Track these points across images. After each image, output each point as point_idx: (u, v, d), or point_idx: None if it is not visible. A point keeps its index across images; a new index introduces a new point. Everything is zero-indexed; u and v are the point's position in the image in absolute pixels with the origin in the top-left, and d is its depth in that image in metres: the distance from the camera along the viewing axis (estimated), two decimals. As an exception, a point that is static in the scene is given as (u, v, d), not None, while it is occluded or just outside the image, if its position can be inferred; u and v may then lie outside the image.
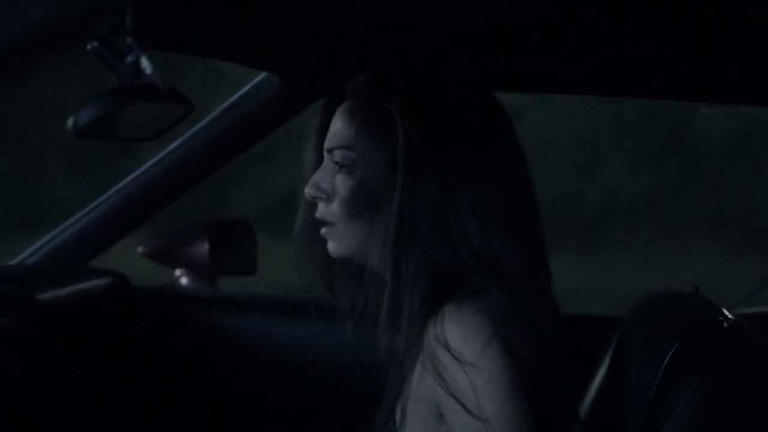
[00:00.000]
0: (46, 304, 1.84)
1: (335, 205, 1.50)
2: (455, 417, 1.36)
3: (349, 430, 1.75)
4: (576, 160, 6.63)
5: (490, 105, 1.53)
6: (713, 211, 6.29)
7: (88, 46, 1.25)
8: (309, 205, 1.57)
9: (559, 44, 1.69)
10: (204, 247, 2.34)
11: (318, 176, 1.52)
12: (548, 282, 1.49)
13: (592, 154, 6.61)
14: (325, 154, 1.53)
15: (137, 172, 2.26)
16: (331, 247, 1.52)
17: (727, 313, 1.52)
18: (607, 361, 1.64)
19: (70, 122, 1.28)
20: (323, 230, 1.52)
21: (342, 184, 1.49)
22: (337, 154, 1.50)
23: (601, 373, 1.64)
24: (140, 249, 2.42)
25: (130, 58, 1.25)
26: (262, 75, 2.18)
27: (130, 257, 2.40)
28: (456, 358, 1.34)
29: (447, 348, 1.35)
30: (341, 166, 1.49)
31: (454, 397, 1.34)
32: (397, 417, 1.45)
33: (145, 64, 1.25)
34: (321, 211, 1.52)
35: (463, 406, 1.34)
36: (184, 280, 2.41)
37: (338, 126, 1.51)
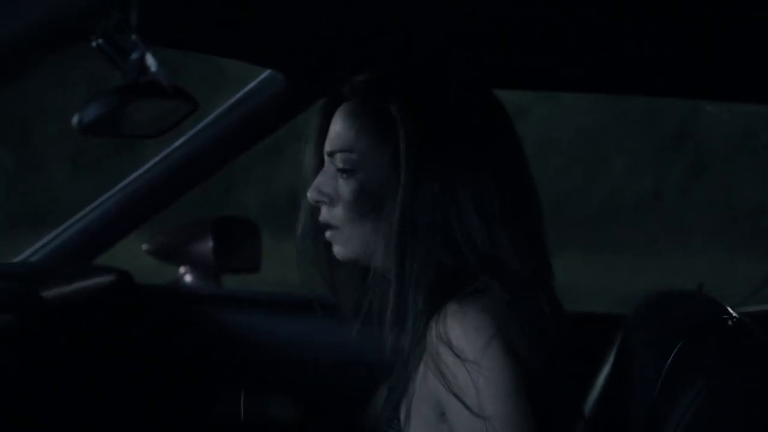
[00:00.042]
0: (50, 301, 1.84)
1: (339, 209, 1.50)
2: (456, 415, 1.36)
3: (352, 428, 1.74)
4: (580, 158, 6.63)
5: (490, 104, 1.53)
6: (717, 209, 6.28)
7: (93, 44, 1.25)
8: (311, 208, 1.57)
9: (559, 44, 1.69)
10: (208, 245, 2.34)
11: (320, 180, 1.52)
12: (550, 279, 1.49)
13: (595, 152, 6.60)
14: (326, 157, 1.53)
15: (141, 170, 2.26)
16: (337, 250, 1.53)
17: (731, 311, 1.52)
18: (611, 359, 1.64)
19: (75, 119, 1.28)
20: (328, 234, 1.53)
21: (345, 187, 1.49)
22: (339, 157, 1.50)
23: (605, 371, 1.64)
24: (144, 246, 2.42)
25: (135, 56, 1.25)
26: (266, 73, 2.18)
27: (134, 255, 2.40)
28: (458, 356, 1.34)
29: (449, 346, 1.35)
30: (343, 169, 1.49)
31: (455, 395, 1.34)
32: (402, 416, 1.45)
33: (150, 61, 1.25)
34: (325, 215, 1.52)
35: (463, 404, 1.34)
36: (188, 278, 2.41)
37: (338, 128, 1.51)
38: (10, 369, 1.69)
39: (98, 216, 2.27)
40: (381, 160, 1.47)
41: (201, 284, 2.40)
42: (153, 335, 2.24)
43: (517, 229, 1.45)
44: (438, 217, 1.43)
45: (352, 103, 1.52)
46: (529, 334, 1.37)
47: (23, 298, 1.81)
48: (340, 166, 1.49)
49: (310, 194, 1.52)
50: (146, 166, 2.26)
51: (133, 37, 1.23)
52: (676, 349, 1.46)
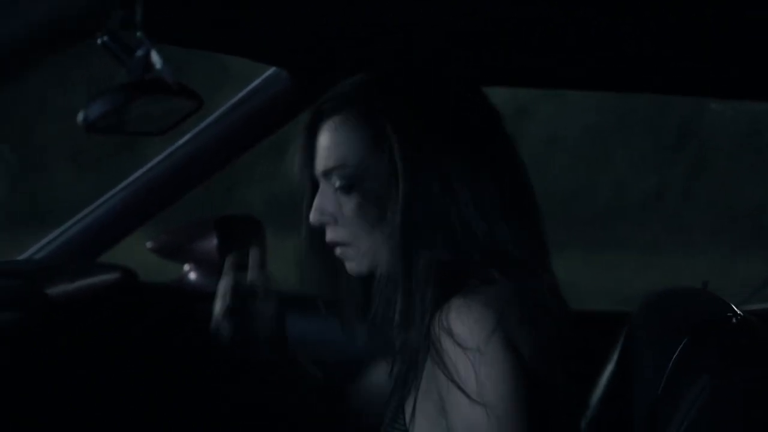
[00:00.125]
0: (54, 298, 1.84)
1: (345, 226, 1.49)
2: (455, 406, 1.36)
3: (358, 427, 1.74)
4: (585, 156, 6.62)
5: (479, 101, 1.53)
6: (721, 208, 6.28)
7: (98, 41, 1.25)
8: (312, 230, 1.56)
9: (559, 44, 1.69)
10: (212, 243, 2.33)
11: (320, 202, 1.51)
12: (552, 275, 1.49)
13: (601, 151, 6.59)
14: (321, 178, 1.52)
15: (145, 168, 2.26)
16: (351, 266, 1.52)
17: (736, 309, 1.52)
18: (615, 357, 1.64)
19: (80, 116, 1.28)
20: (338, 251, 1.52)
21: (347, 204, 1.49)
22: (334, 176, 1.49)
23: (609, 368, 1.64)
24: (149, 244, 2.41)
25: (140, 53, 1.25)
26: (271, 70, 2.18)
27: (138, 253, 2.40)
28: (459, 345, 1.34)
29: (450, 335, 1.35)
30: (341, 187, 1.48)
31: (455, 383, 1.34)
32: (407, 414, 1.45)
33: (155, 58, 1.25)
34: (331, 234, 1.51)
35: (463, 392, 1.34)
36: (192, 276, 2.40)
37: (328, 146, 1.50)
38: (15, 365, 1.69)
39: (102, 214, 2.27)
40: (377, 169, 1.46)
41: (205, 282, 2.39)
42: (157, 333, 2.24)
43: (516, 222, 1.46)
44: (439, 215, 1.43)
45: (336, 117, 1.51)
46: (531, 331, 1.37)
47: (28, 295, 1.81)
48: (338, 184, 1.48)
49: (313, 218, 1.52)
50: (150, 164, 2.26)
51: (138, 34, 1.23)
52: (679, 347, 1.46)
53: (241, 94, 2.23)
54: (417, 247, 1.43)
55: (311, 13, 1.53)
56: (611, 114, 6.39)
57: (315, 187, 1.55)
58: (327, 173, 1.50)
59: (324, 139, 1.51)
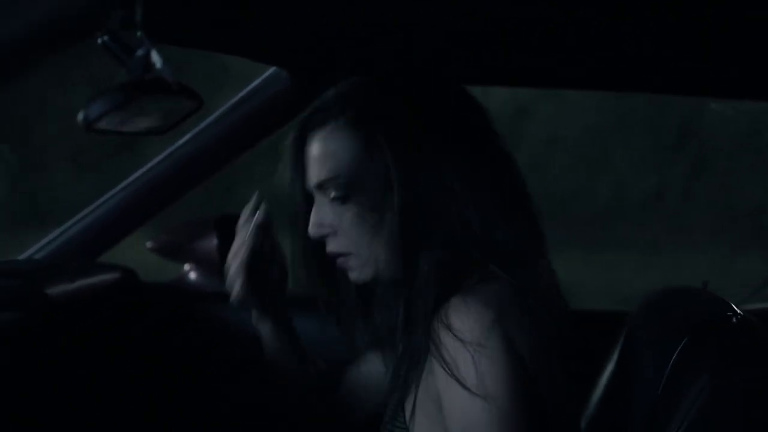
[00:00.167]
0: (54, 298, 1.84)
1: (345, 236, 1.49)
2: (453, 401, 1.36)
3: (358, 425, 1.75)
4: (584, 157, 6.62)
5: (463, 99, 1.53)
6: (721, 208, 6.28)
7: (98, 40, 1.25)
8: (308, 242, 1.55)
9: (559, 44, 1.69)
10: (212, 243, 2.34)
11: (317, 216, 1.50)
12: (551, 271, 1.49)
13: (601, 151, 6.60)
14: (315, 190, 1.51)
15: (145, 168, 2.26)
16: (355, 275, 1.51)
17: (736, 308, 1.52)
18: (614, 357, 1.64)
19: (80, 116, 1.28)
20: (340, 261, 1.51)
21: (345, 214, 1.48)
22: (329, 187, 1.48)
23: (609, 368, 1.64)
24: (149, 244, 2.42)
25: (140, 52, 1.25)
26: (271, 70, 2.18)
27: (138, 252, 2.40)
28: (459, 339, 1.34)
29: (450, 329, 1.35)
30: (337, 198, 1.48)
31: (454, 377, 1.34)
32: (407, 413, 1.46)
33: (155, 58, 1.25)
34: (332, 246, 1.51)
35: (463, 385, 1.34)
36: (192, 276, 2.41)
37: (319, 158, 1.49)
38: (16, 365, 1.69)
39: (102, 213, 2.27)
40: (372, 175, 1.46)
41: (205, 282, 2.39)
42: (157, 333, 2.24)
43: (514, 220, 1.46)
44: (438, 217, 1.43)
45: (325, 128, 1.50)
46: (530, 329, 1.38)
47: (28, 295, 1.81)
48: (333, 195, 1.48)
49: (312, 232, 1.51)
50: (150, 164, 2.26)
51: (139, 34, 1.23)
52: (679, 347, 1.46)
53: (241, 94, 2.23)
54: (417, 250, 1.43)
55: (311, 13, 1.53)
56: (611, 114, 6.39)
57: (308, 198, 1.54)
58: (321, 185, 1.50)
59: (315, 151, 1.50)
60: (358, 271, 1.50)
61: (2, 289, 1.78)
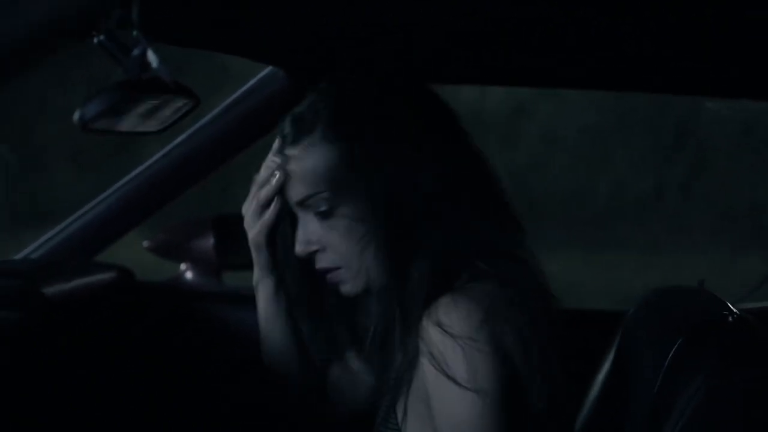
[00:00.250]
0: (51, 298, 1.84)
1: (335, 250, 1.48)
2: (443, 399, 1.36)
3: (356, 424, 1.75)
4: (584, 157, 6.62)
5: (432, 99, 1.53)
6: (718, 207, 6.28)
7: (95, 40, 1.25)
8: (293, 260, 1.53)
9: (559, 44, 1.69)
10: (209, 242, 2.34)
11: (303, 233, 1.49)
12: (534, 260, 1.49)
13: (599, 151, 6.60)
14: (297, 208, 1.50)
15: (142, 167, 2.26)
16: (346, 288, 1.50)
17: (732, 308, 1.52)
18: (611, 356, 1.64)
19: (76, 115, 1.28)
20: (331, 276, 1.50)
21: (332, 228, 1.47)
22: (312, 203, 1.47)
23: (606, 367, 1.64)
24: (145, 243, 2.42)
25: (136, 52, 1.25)
26: (268, 70, 2.18)
27: (135, 252, 2.40)
28: (449, 334, 1.34)
29: (439, 325, 1.35)
30: (322, 213, 1.47)
31: (444, 373, 1.34)
32: (399, 414, 1.46)
33: (152, 57, 1.25)
34: (322, 262, 1.49)
35: (453, 380, 1.34)
36: (189, 275, 2.41)
37: (298, 176, 1.48)
38: (13, 364, 1.69)
39: (99, 213, 2.26)
40: (354, 186, 1.45)
41: (202, 281, 2.39)
42: (154, 332, 2.24)
43: (494, 214, 1.47)
44: (423, 220, 1.43)
45: (300, 144, 1.49)
46: (519, 324, 1.38)
47: (26, 294, 1.81)
48: (318, 210, 1.47)
49: (300, 250, 1.49)
50: (147, 163, 2.26)
51: (135, 33, 1.23)
52: (675, 347, 1.46)
53: (237, 94, 2.22)
54: (407, 255, 1.43)
55: (310, 12, 1.53)
56: (610, 114, 6.39)
57: (290, 215, 1.53)
58: (303, 202, 1.49)
59: (293, 168, 1.49)
60: (350, 284, 1.49)
61: (0, 289, 1.78)
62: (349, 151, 1.44)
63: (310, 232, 1.48)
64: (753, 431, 1.39)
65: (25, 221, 5.34)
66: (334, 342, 1.65)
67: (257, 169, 1.60)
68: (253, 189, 1.59)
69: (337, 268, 1.48)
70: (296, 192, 1.49)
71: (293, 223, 1.53)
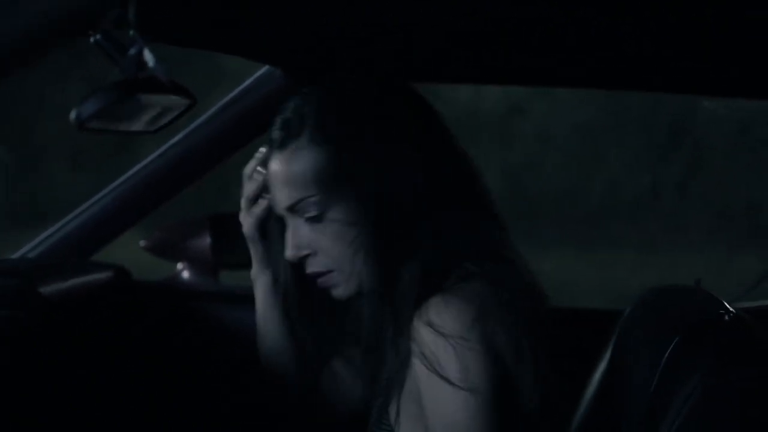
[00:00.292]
0: (48, 297, 1.84)
1: (327, 255, 1.47)
2: (435, 399, 1.36)
3: (349, 425, 1.75)
4: (578, 155, 6.63)
5: (416, 98, 1.53)
6: (715, 206, 6.29)
7: (91, 39, 1.25)
8: (292, 269, 1.53)
9: (559, 44, 1.69)
10: (205, 241, 2.34)
11: (294, 238, 1.48)
12: (521, 259, 1.49)
13: (593, 149, 6.61)
14: (286, 214, 1.49)
15: (139, 166, 2.26)
16: (338, 292, 1.49)
17: (728, 307, 1.52)
18: (607, 355, 1.64)
19: (72, 115, 1.28)
20: (323, 281, 1.49)
21: (323, 232, 1.46)
22: (302, 208, 1.46)
23: (602, 367, 1.64)
24: (142, 243, 2.41)
25: (132, 51, 1.25)
26: (264, 69, 2.18)
27: (131, 251, 2.40)
28: (441, 334, 1.34)
29: (431, 325, 1.35)
30: (312, 217, 1.46)
31: (436, 372, 1.34)
32: (391, 415, 1.46)
33: (148, 56, 1.25)
34: (313, 266, 1.48)
35: (446, 380, 1.34)
36: (185, 274, 2.40)
37: (286, 181, 1.47)
38: (10, 364, 1.69)
39: (96, 212, 2.26)
40: (343, 188, 1.45)
41: (198, 281, 2.39)
42: (151, 332, 2.23)
43: (481, 214, 1.47)
44: (413, 221, 1.43)
45: (285, 150, 1.48)
46: (510, 323, 1.38)
47: (22, 294, 1.80)
48: (309, 214, 1.46)
49: (291, 255, 1.48)
50: (143, 163, 2.26)
51: (131, 32, 1.23)
52: (672, 346, 1.47)
53: (233, 93, 2.22)
54: (397, 257, 1.43)
55: (310, 12, 1.53)
56: (605, 113, 6.40)
57: (278, 220, 1.53)
58: (293, 207, 1.48)
59: (281, 174, 1.48)
60: (342, 288, 1.48)
61: (-1, 288, 1.78)
62: (337, 153, 1.44)
63: (300, 236, 1.48)
64: (750, 430, 1.39)
65: (24, 220, 5.34)
66: (327, 344, 1.64)
67: (254, 168, 1.60)
68: (244, 182, 1.60)
69: (329, 272, 1.48)
70: (286, 196, 1.48)
71: (282, 226, 1.53)
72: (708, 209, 6.32)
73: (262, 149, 1.57)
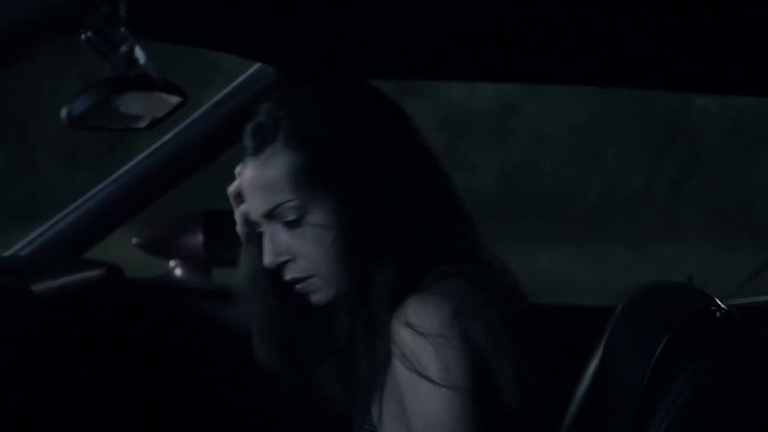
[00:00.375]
0: (40, 295, 1.84)
1: (306, 260, 1.45)
2: (416, 398, 1.36)
3: (337, 425, 1.75)
4: (573, 154, 6.63)
5: (385, 100, 1.52)
6: (710, 204, 6.30)
7: (83, 36, 1.25)
8: (265, 278, 1.50)
9: (559, 44, 1.69)
10: (198, 238, 2.34)
11: (272, 245, 1.46)
12: (498, 260, 1.48)
13: (589, 148, 6.61)
14: (263, 220, 1.47)
15: (131, 163, 2.26)
16: (317, 297, 1.47)
17: (720, 303, 1.53)
18: (599, 353, 1.64)
19: (64, 112, 1.28)
20: (302, 286, 1.47)
21: (303, 237, 1.44)
22: (281, 213, 1.44)
23: (593, 364, 1.64)
24: (134, 240, 2.42)
25: (123, 48, 1.25)
26: (256, 66, 2.18)
27: (124, 249, 2.40)
28: (420, 333, 1.34)
29: (410, 326, 1.35)
30: (291, 221, 1.44)
31: (417, 372, 1.34)
32: (374, 416, 1.45)
33: (139, 54, 1.25)
34: (292, 272, 1.46)
35: (426, 378, 1.33)
36: (178, 272, 2.40)
37: (262, 187, 1.46)
38: (1, 362, 1.69)
39: (89, 209, 2.26)
40: (319, 192, 1.43)
41: (191, 278, 2.39)
42: (143, 329, 2.24)
43: (455, 215, 1.47)
44: (388, 223, 1.42)
45: (260, 156, 1.46)
46: (488, 321, 1.38)
47: (15, 291, 1.81)
48: (288, 218, 1.44)
49: (269, 261, 1.46)
50: (136, 160, 2.26)
51: (122, 29, 1.23)
52: (663, 343, 1.47)
53: (226, 90, 2.22)
54: (372, 259, 1.42)
55: (309, 13, 1.53)
56: (601, 111, 6.41)
57: (251, 231, 1.51)
58: (270, 213, 1.46)
59: (257, 180, 1.46)
60: (322, 293, 1.46)
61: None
62: (313, 156, 1.43)
63: (279, 242, 1.45)
64: (742, 425, 1.39)
65: (17, 218, 5.33)
66: (308, 350, 1.62)
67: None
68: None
69: (309, 277, 1.46)
70: (263, 202, 1.46)
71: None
72: (703, 207, 6.32)
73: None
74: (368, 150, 1.43)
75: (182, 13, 1.54)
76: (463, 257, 1.43)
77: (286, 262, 1.46)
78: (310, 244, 1.44)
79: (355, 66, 1.90)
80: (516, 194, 6.06)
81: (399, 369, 1.37)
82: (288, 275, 1.47)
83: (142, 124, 1.44)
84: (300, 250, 1.45)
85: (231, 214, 1.66)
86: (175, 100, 1.39)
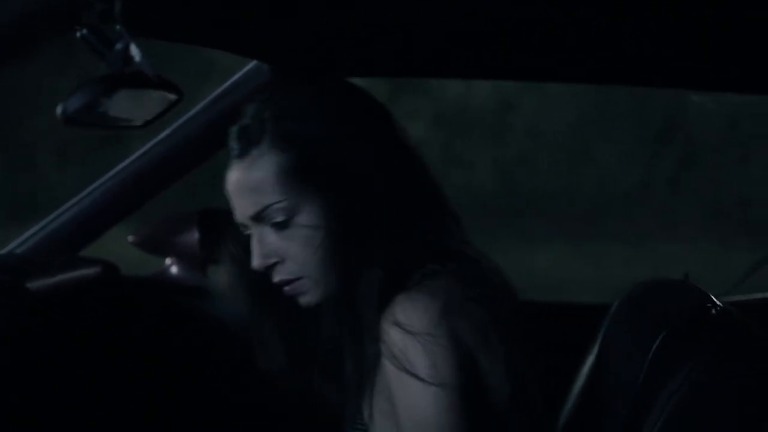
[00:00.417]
0: (36, 292, 1.84)
1: (295, 261, 1.44)
2: (405, 397, 1.36)
3: (328, 424, 1.75)
4: (571, 151, 6.63)
5: (368, 98, 1.51)
6: (709, 200, 6.30)
7: (78, 34, 1.25)
8: (248, 272, 1.49)
9: (559, 44, 1.69)
10: (194, 237, 2.33)
11: (260, 247, 1.45)
12: (486, 258, 1.48)
13: (584, 145, 6.61)
14: (251, 223, 1.46)
15: (128, 161, 2.26)
16: (306, 299, 1.46)
17: (715, 300, 1.53)
18: (595, 350, 1.64)
19: (58, 109, 1.28)
20: (290, 288, 1.46)
21: (292, 238, 1.43)
22: (269, 214, 1.43)
23: (589, 361, 1.65)
24: (130, 238, 2.41)
25: (119, 46, 1.25)
26: (253, 63, 2.17)
27: (120, 246, 2.39)
28: (408, 332, 1.34)
29: (398, 325, 1.35)
30: (280, 223, 1.43)
31: (406, 370, 1.34)
32: (365, 415, 1.45)
33: (134, 51, 1.25)
34: (281, 274, 1.45)
35: (415, 376, 1.33)
36: (174, 270, 2.40)
37: (250, 189, 1.45)
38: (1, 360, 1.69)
39: (84, 207, 2.26)
40: (307, 192, 1.43)
41: (187, 276, 2.39)
42: (139, 327, 2.23)
43: (440, 213, 1.46)
44: (375, 223, 1.42)
45: (246, 158, 1.46)
46: (476, 319, 1.37)
47: (10, 289, 1.80)
48: (276, 220, 1.43)
49: (258, 264, 1.45)
50: (132, 157, 2.26)
51: (118, 27, 1.23)
52: (658, 340, 1.47)
53: (222, 88, 2.22)
54: (360, 258, 1.41)
55: (309, 13, 1.53)
56: (597, 108, 6.41)
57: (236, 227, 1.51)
58: (258, 215, 1.45)
59: (244, 182, 1.46)
60: (311, 294, 1.46)
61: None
62: (300, 156, 1.42)
63: (267, 244, 1.45)
64: (739, 422, 1.39)
65: (12, 216, 5.33)
66: (299, 352, 1.62)
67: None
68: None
69: (298, 279, 1.45)
70: (251, 205, 1.45)
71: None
72: (700, 204, 6.33)
73: None
74: (355, 149, 1.42)
75: (178, 10, 1.54)
76: (450, 255, 1.43)
77: (274, 265, 1.46)
78: (299, 246, 1.43)
79: (355, 65, 1.89)
80: (513, 191, 6.06)
81: (388, 368, 1.37)
82: (277, 277, 1.46)
83: (138, 121, 1.44)
84: (289, 252, 1.44)
85: (226, 212, 1.66)
86: (170, 97, 1.39)
